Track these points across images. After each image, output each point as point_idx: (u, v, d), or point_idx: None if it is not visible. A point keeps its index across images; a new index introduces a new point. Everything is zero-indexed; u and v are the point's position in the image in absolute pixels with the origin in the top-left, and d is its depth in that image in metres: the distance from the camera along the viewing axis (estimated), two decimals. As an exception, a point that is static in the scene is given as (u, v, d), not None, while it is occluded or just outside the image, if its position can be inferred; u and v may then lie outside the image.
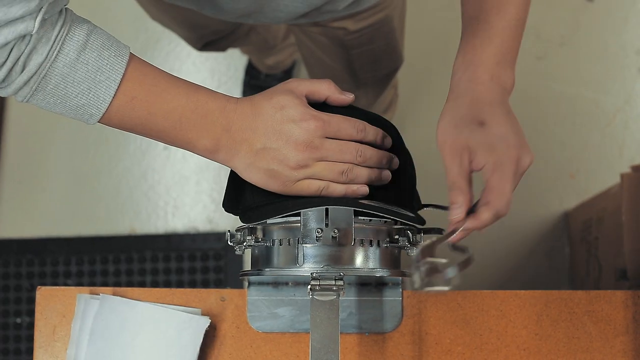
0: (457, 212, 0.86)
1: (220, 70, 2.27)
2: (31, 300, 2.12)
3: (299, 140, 0.88)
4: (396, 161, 0.93)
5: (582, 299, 1.10)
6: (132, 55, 0.88)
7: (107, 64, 0.85)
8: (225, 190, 0.99)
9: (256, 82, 2.20)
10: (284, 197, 0.92)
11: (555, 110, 2.22)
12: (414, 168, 0.99)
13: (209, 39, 1.59)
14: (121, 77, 0.86)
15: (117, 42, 0.88)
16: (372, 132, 0.92)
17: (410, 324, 1.09)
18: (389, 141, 0.94)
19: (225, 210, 0.98)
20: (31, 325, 2.10)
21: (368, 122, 0.93)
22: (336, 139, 0.90)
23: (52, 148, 2.25)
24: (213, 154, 0.91)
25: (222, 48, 1.72)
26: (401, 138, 0.98)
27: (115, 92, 0.86)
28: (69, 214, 2.21)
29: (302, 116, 0.88)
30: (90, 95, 0.86)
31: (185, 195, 2.22)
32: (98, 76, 0.85)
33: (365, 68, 1.45)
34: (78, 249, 2.16)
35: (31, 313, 2.12)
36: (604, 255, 1.73)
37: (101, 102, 0.86)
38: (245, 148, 0.89)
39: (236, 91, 2.25)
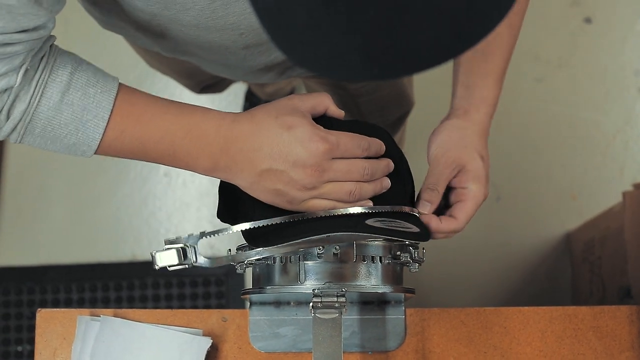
0: (427, 209, 0.97)
1: (219, 97, 2.28)
2: (32, 328, 2.11)
3: (307, 164, 0.85)
4: (391, 165, 0.93)
5: (587, 315, 1.09)
6: (120, 87, 0.87)
7: (93, 101, 0.84)
8: (219, 199, 0.98)
9: (255, 108, 2.19)
10: (289, 213, 0.91)
11: (555, 132, 2.22)
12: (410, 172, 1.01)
13: (206, 84, 1.59)
14: (109, 113, 0.85)
15: (104, 76, 0.87)
16: (374, 147, 0.91)
17: (414, 342, 1.08)
18: (383, 149, 0.93)
19: (222, 221, 0.97)
20: (32, 353, 2.08)
21: (359, 130, 0.92)
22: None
23: (52, 175, 2.25)
24: (213, 173, 0.89)
25: (219, 90, 1.72)
26: (395, 142, 0.98)
27: (105, 129, 0.85)
28: (69, 241, 2.20)
29: (311, 137, 0.85)
30: (79, 134, 0.85)
31: (186, 222, 2.21)
32: (85, 115, 0.84)
33: (374, 114, 1.43)
34: (79, 276, 2.15)
35: (32, 341, 2.10)
36: (608, 274, 1.72)
37: (91, 140, 0.85)
38: (248, 168, 0.86)
39: (236, 116, 2.25)
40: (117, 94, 0.86)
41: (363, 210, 0.89)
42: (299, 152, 0.85)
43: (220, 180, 0.96)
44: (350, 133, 0.90)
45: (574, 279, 2.03)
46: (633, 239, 1.56)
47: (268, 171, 0.86)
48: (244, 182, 0.88)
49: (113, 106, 0.85)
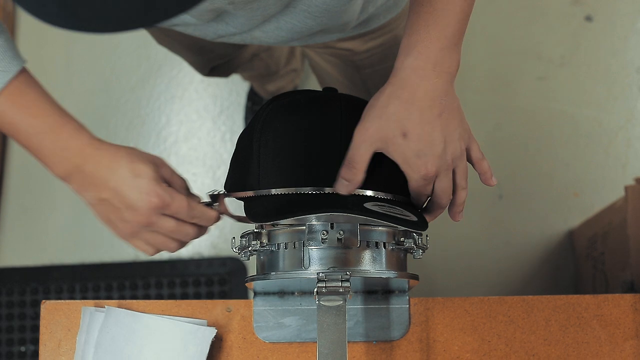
0: (346, 188, 0.90)
1: (222, 96, 2.28)
2: (35, 329, 2.11)
3: (138, 212, 0.91)
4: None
5: (590, 304, 1.10)
6: (22, 75, 0.91)
7: None
8: (229, 170, 0.99)
9: (258, 107, 2.20)
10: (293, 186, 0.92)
11: (557, 130, 2.23)
12: None
13: (215, 63, 1.60)
14: None
15: (11, 58, 0.91)
16: (205, 220, 0.95)
17: (418, 332, 1.08)
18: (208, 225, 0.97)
19: (228, 191, 0.98)
20: (36, 354, 2.09)
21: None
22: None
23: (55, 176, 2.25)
24: (65, 180, 0.96)
25: (226, 73, 1.72)
26: None
27: None
28: (72, 241, 2.21)
29: (149, 190, 0.90)
30: None
31: (189, 221, 2.21)
32: None
33: (379, 87, 1.44)
34: (82, 276, 2.15)
35: (35, 341, 2.11)
36: (611, 269, 1.72)
37: None
38: (92, 190, 0.93)
39: (238, 116, 2.25)
40: (12, 78, 0.90)
41: (369, 194, 0.90)
42: (135, 198, 0.91)
43: (233, 154, 0.99)
44: (188, 199, 0.93)
45: (577, 276, 2.03)
46: (636, 233, 1.56)
47: (106, 201, 0.92)
48: (87, 200, 0.95)
49: (4, 87, 0.90)
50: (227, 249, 2.16)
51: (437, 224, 1.04)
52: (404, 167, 0.91)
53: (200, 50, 1.51)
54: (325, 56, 1.38)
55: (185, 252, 2.18)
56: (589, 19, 2.30)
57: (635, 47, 2.28)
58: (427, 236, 0.98)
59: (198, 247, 2.17)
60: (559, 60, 2.27)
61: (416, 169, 0.91)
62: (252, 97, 2.22)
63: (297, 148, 0.93)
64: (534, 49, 2.28)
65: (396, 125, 0.90)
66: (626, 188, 1.60)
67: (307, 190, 0.90)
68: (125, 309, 1.08)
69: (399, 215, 0.90)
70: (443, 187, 0.93)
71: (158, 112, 2.27)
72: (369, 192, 0.91)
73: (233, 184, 0.97)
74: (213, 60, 1.57)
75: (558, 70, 2.27)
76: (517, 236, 2.15)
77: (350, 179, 0.90)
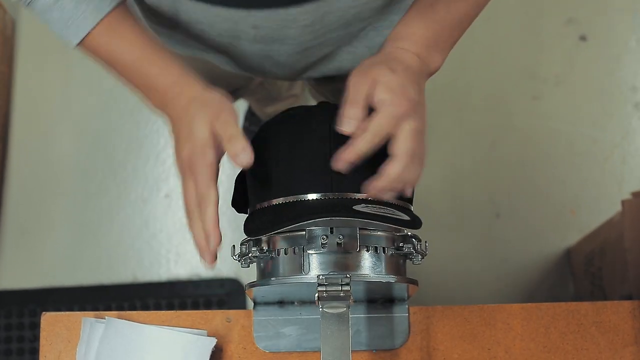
0: (349, 124, 0.89)
1: (219, 118, 2.29)
2: (34, 351, 2.10)
3: (179, 155, 0.96)
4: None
5: (589, 310, 1.10)
6: (114, 10, 0.95)
7: (80, 15, 0.93)
8: (234, 189, 1.01)
9: (255, 128, 2.21)
10: (285, 205, 0.92)
11: (553, 148, 2.24)
12: None
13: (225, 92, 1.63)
14: (89, 30, 0.94)
15: None
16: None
17: (418, 340, 1.09)
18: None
19: (236, 210, 0.99)
20: (34, 376, 2.08)
21: None
22: None
23: (53, 198, 2.25)
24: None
25: (232, 101, 1.75)
26: None
27: (81, 40, 0.95)
28: (71, 263, 2.20)
29: (188, 140, 0.93)
30: (62, 34, 0.95)
31: (187, 243, 2.21)
32: (69, 24, 0.94)
33: None
34: (81, 298, 2.15)
35: (34, 364, 2.10)
36: (609, 283, 1.72)
37: (70, 42, 0.96)
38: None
39: (236, 138, 2.26)
40: (105, 16, 0.94)
41: (359, 196, 0.90)
42: (182, 145, 0.95)
43: (238, 173, 1.01)
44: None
45: (576, 292, 2.03)
46: (633, 247, 1.56)
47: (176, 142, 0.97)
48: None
49: (96, 26, 0.94)
50: (225, 270, 2.16)
51: (434, 243, 1.04)
52: (388, 96, 0.90)
53: (214, 79, 1.52)
54: (326, 94, 1.38)
55: (183, 273, 2.18)
56: (583, 38, 2.32)
57: (629, 66, 2.30)
58: (426, 242, 0.98)
59: (196, 269, 2.17)
60: (553, 79, 2.29)
61: (397, 102, 0.89)
62: (250, 117, 2.23)
63: (283, 159, 0.94)
64: (529, 68, 2.30)
65: (384, 63, 0.93)
66: (623, 202, 1.61)
67: (296, 198, 0.91)
68: (126, 320, 1.08)
69: (390, 215, 0.90)
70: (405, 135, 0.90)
71: (156, 134, 2.28)
72: (359, 195, 0.91)
73: (236, 200, 1.00)
74: (224, 88, 1.59)
75: (553, 90, 2.29)
76: (515, 254, 2.16)
77: (354, 115, 0.89)
